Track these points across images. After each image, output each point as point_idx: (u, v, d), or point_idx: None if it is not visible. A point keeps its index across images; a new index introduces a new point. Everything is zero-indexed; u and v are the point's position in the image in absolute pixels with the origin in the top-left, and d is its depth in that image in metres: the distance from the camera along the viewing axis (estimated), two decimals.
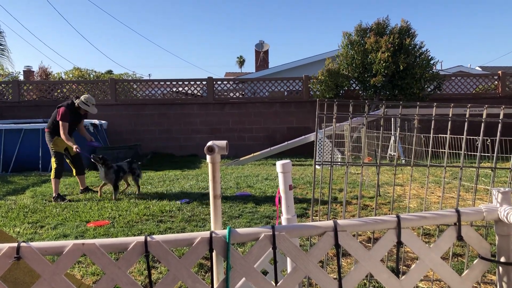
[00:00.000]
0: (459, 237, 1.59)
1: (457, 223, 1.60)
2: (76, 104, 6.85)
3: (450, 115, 2.16)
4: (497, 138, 2.09)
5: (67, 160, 7.03)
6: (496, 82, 13.83)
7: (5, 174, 9.68)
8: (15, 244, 1.40)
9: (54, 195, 6.57)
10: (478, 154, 2.20)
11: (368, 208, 5.68)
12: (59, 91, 14.11)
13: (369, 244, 4.10)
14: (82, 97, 6.88)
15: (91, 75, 26.17)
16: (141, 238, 1.44)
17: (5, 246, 1.39)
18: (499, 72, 13.82)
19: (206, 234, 1.48)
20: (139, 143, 12.24)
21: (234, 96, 14.48)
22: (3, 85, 14.07)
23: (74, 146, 6.69)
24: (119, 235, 4.53)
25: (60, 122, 6.61)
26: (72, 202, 6.33)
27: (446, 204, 5.81)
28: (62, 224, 5.02)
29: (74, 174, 7.18)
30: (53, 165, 6.74)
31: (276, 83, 14.07)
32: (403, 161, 9.52)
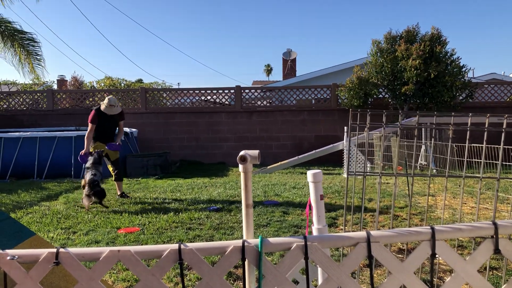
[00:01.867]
0: (496, 250, 1.55)
1: (495, 236, 1.56)
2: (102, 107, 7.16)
3: (486, 125, 2.12)
4: None
5: (108, 165, 7.34)
6: None
7: (39, 181, 9.96)
8: (54, 250, 1.44)
9: (118, 193, 7.33)
10: None
11: (398, 218, 5.58)
12: (91, 99, 14.47)
13: (400, 255, 4.03)
14: (105, 100, 7.16)
15: (122, 84, 26.75)
16: (175, 246, 1.46)
17: (45, 251, 1.44)
18: None
19: (238, 243, 1.49)
20: (168, 151, 12.40)
21: (262, 105, 14.52)
22: (38, 94, 14.54)
23: (83, 151, 6.99)
24: (149, 241, 4.59)
25: (89, 126, 7.01)
26: (104, 208, 6.46)
27: (480, 216, 5.66)
28: (93, 230, 5.12)
29: (113, 180, 7.47)
30: (110, 168, 7.30)
31: (303, 91, 14.05)
32: (434, 171, 9.33)
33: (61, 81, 29.71)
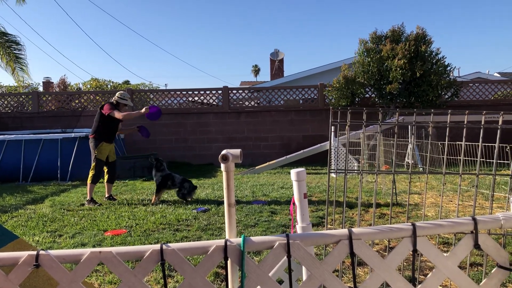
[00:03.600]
0: (476, 246, 1.57)
1: (474, 231, 1.58)
2: (113, 102, 7.15)
3: (465, 122, 2.15)
4: None
5: (104, 166, 7.21)
6: None
7: (24, 184, 9.85)
8: (34, 252, 1.43)
9: (87, 198, 6.93)
10: (494, 161, 2.17)
11: (385, 216, 5.62)
12: (77, 101, 14.34)
13: (386, 253, 4.05)
14: (117, 94, 7.22)
15: (109, 86, 26.56)
16: (157, 246, 1.46)
17: (25, 254, 1.42)
18: None
19: (221, 242, 1.49)
20: (155, 152, 12.33)
21: (250, 105, 14.52)
22: (23, 96, 14.36)
23: (143, 110, 7.02)
24: (136, 243, 4.57)
25: (114, 113, 6.89)
26: (91, 210, 6.41)
27: (465, 213, 5.72)
28: (80, 233, 5.08)
29: (105, 181, 7.34)
30: (92, 170, 6.97)
31: (291, 91, 14.08)
32: (421, 169, 9.41)
33: (47, 83, 29.39)
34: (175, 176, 7.05)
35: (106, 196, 7.25)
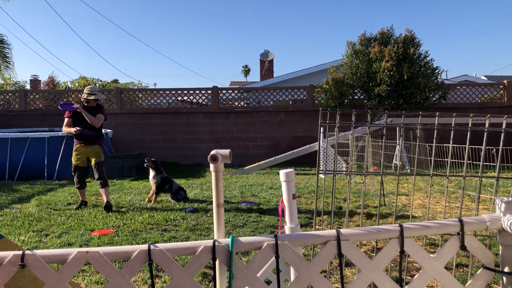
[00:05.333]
0: (462, 247, 1.59)
1: (460, 233, 1.59)
2: (82, 100, 6.61)
3: (453, 125, 2.17)
4: (500, 147, 2.10)
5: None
6: (501, 91, 13.80)
7: (10, 183, 9.73)
8: (20, 252, 1.41)
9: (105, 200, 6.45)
10: (481, 163, 2.19)
11: (373, 217, 5.66)
12: (65, 99, 14.20)
13: (374, 254, 4.08)
14: (84, 90, 6.70)
15: (97, 84, 26.36)
16: (145, 247, 1.45)
17: (10, 253, 1.40)
18: (505, 81, 13.79)
19: (209, 242, 1.49)
20: (144, 152, 12.28)
21: (239, 105, 14.51)
22: (10, 94, 14.20)
23: (73, 129, 6.43)
24: (124, 243, 4.54)
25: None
26: (78, 210, 6.35)
27: (452, 214, 5.78)
28: (66, 233, 5.03)
29: (95, 181, 6.88)
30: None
31: (281, 92, 14.11)
32: (409, 170, 9.48)
33: (34, 81, 29.05)
34: (173, 182, 7.09)
35: (105, 201, 6.45)
